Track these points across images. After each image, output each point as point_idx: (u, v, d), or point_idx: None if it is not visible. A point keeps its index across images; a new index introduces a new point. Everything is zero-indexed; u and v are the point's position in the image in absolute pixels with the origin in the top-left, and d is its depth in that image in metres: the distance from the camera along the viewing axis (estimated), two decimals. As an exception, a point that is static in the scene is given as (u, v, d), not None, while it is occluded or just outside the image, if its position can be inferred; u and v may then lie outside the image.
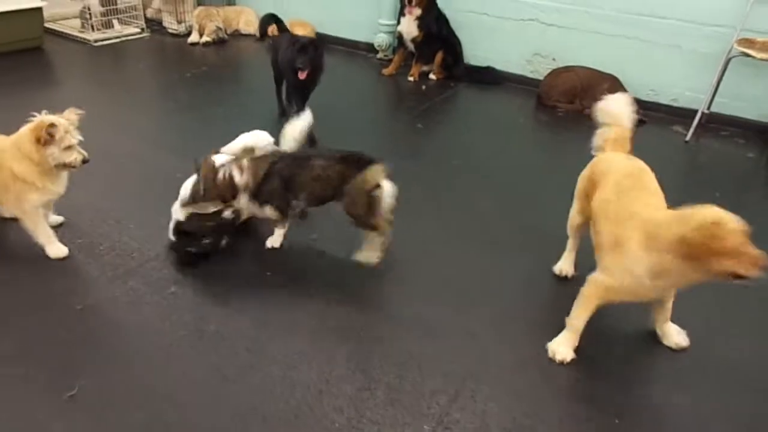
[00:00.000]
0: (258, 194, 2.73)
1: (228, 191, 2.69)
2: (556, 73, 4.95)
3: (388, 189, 2.65)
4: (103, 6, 5.91)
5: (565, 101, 4.84)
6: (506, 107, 4.95)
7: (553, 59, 5.12)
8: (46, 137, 2.49)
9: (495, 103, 5.03)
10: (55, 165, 2.57)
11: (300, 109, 3.84)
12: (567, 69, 4.91)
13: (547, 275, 2.81)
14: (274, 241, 2.91)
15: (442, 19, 5.25)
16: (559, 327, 2.37)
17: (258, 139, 3.04)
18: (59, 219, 2.98)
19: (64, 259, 2.74)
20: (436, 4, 5.19)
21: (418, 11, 5.08)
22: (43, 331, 2.34)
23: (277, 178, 2.72)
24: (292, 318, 2.49)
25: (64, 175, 2.71)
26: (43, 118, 2.54)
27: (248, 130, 3.10)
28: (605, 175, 2.37)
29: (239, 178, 2.70)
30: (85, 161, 2.63)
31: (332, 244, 2.97)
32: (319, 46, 3.97)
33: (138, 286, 2.61)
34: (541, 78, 5.05)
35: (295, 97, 4.10)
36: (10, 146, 2.56)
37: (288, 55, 3.92)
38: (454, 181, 3.69)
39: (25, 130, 2.54)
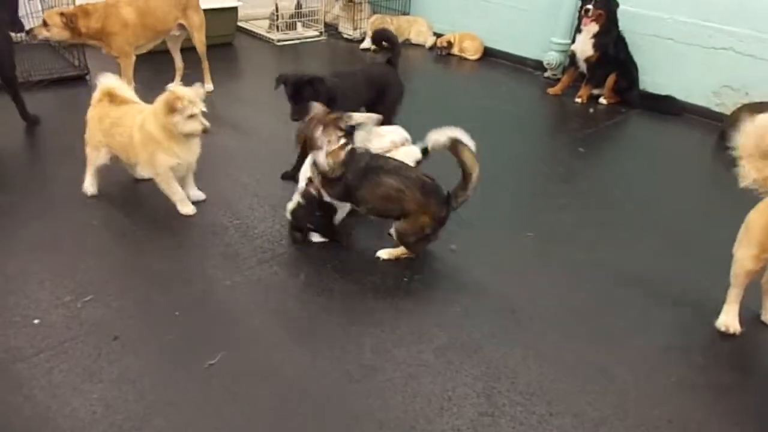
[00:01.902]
0: (327, 185, 2.74)
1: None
2: (747, 108, 4.42)
3: None
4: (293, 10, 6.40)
5: (754, 140, 4.32)
6: (682, 141, 4.53)
7: (746, 93, 4.59)
8: (171, 107, 2.84)
9: (670, 135, 4.63)
10: (180, 131, 2.89)
11: None
12: (761, 104, 4.37)
13: (701, 326, 2.51)
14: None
15: (620, 41, 4.95)
16: (713, 391, 2.09)
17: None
18: (202, 195, 3.24)
19: (192, 216, 3.10)
20: (616, 25, 4.89)
21: (595, 27, 4.82)
22: (195, 301, 2.53)
23: (342, 185, 2.71)
24: (422, 326, 2.46)
25: (195, 144, 3.03)
26: (173, 89, 2.90)
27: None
28: None
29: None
30: (204, 131, 2.93)
31: (473, 257, 2.89)
32: (316, 85, 3.20)
33: (281, 271, 2.73)
34: (728, 113, 4.56)
35: None
36: (150, 111, 2.96)
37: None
38: (609, 211, 3.44)
39: (160, 98, 2.92)
